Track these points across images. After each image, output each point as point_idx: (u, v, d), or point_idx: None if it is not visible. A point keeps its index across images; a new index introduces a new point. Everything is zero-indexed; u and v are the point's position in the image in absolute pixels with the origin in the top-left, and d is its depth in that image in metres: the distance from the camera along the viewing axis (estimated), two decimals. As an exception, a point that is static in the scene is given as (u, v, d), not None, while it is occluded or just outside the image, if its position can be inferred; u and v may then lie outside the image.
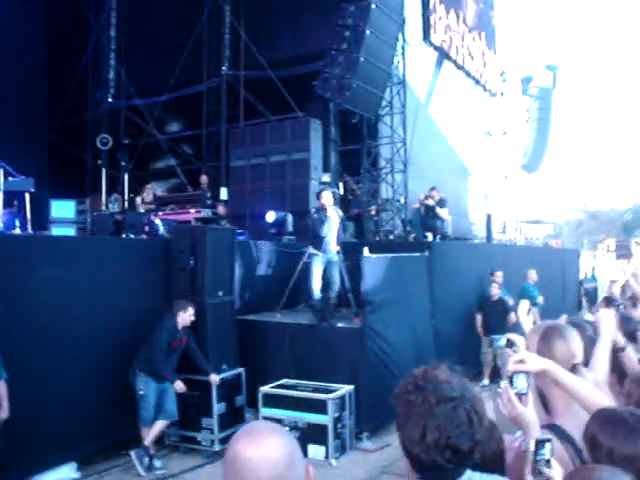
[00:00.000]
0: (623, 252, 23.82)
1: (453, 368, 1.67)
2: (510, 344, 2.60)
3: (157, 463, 6.52)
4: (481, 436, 1.58)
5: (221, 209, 11.79)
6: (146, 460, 6.42)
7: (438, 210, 10.77)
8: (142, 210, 11.46)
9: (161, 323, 6.68)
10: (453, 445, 1.53)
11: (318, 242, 8.04)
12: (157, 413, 6.58)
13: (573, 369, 2.27)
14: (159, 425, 6.61)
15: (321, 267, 8.05)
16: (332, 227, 8.10)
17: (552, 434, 2.06)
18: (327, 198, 8.13)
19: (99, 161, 14.64)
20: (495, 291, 9.83)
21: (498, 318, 9.50)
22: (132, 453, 6.42)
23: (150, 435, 6.52)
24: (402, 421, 1.61)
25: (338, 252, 8.21)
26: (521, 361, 2.07)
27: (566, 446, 2.06)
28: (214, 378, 6.89)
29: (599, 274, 18.56)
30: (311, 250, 8.13)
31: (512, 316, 9.32)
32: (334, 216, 8.13)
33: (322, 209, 8.10)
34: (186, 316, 6.76)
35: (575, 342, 2.35)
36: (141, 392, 6.46)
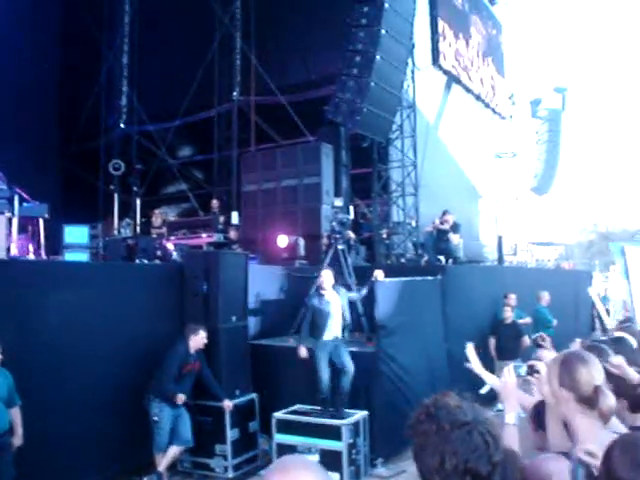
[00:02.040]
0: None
1: (462, 394, 1.67)
2: (532, 371, 2.58)
3: None
4: (499, 458, 1.58)
5: (233, 234, 11.82)
6: None
7: (451, 235, 10.75)
8: (154, 234, 11.50)
9: (173, 347, 6.65)
10: (472, 469, 1.53)
11: (319, 331, 7.11)
12: (172, 439, 6.54)
13: (595, 392, 2.26)
14: (173, 450, 6.57)
15: (327, 357, 7.06)
16: (333, 313, 7.15)
17: (568, 462, 2.05)
18: (327, 279, 7.25)
19: (111, 186, 14.73)
20: (508, 314, 9.76)
21: (511, 342, 9.43)
22: (145, 479, 6.38)
23: (164, 461, 6.48)
24: (419, 451, 1.61)
25: (344, 330, 7.27)
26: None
27: (579, 470, 2.03)
28: (227, 404, 6.85)
29: (611, 295, 18.40)
30: (314, 335, 7.16)
31: (525, 339, 9.27)
32: (334, 299, 7.19)
33: (320, 290, 7.25)
34: (198, 339, 6.71)
35: (595, 366, 2.33)
36: (155, 418, 6.42)
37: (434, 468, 1.55)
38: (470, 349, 3.03)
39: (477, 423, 1.58)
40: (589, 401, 2.26)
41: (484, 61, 18.95)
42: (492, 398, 2.94)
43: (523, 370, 2.60)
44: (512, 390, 2.46)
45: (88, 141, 16.36)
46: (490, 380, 2.83)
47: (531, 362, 2.62)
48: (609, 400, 2.24)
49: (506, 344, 9.50)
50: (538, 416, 2.65)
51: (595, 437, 2.19)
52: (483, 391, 2.81)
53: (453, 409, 1.60)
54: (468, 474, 1.53)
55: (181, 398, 6.45)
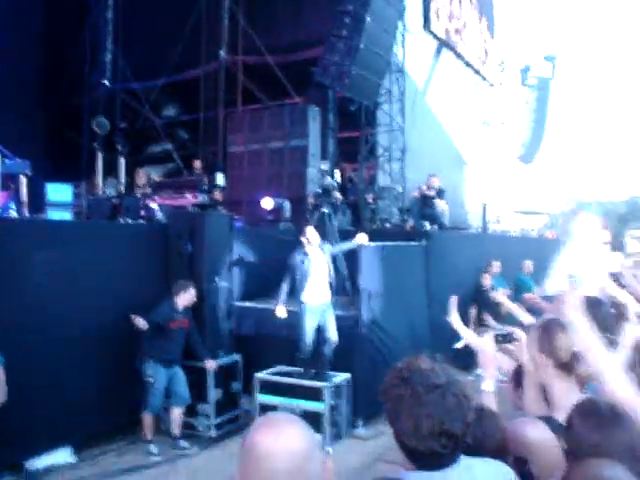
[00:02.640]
0: (617, 245, 23.88)
1: (434, 357, 1.69)
2: (511, 339, 2.60)
3: (183, 443, 6.69)
4: (471, 418, 1.61)
5: (217, 195, 11.72)
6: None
7: (437, 201, 10.75)
8: (138, 193, 11.38)
9: (158, 307, 6.63)
10: (447, 430, 1.55)
11: (306, 294, 6.93)
12: (171, 400, 6.62)
13: (573, 357, 2.30)
14: (177, 412, 6.68)
15: (314, 320, 6.93)
16: (320, 273, 6.96)
17: (548, 426, 2.09)
18: (312, 236, 7.03)
19: (95, 144, 14.54)
20: (486, 281, 9.80)
21: (492, 308, 9.50)
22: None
23: (174, 425, 6.64)
24: (393, 415, 1.62)
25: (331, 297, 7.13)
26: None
27: (560, 439, 2.07)
28: (210, 364, 6.90)
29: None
30: (302, 298, 6.96)
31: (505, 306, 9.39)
32: (320, 258, 6.99)
33: (305, 248, 7.01)
34: (187, 296, 6.70)
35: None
36: (150, 379, 6.42)
37: (410, 431, 1.57)
38: (453, 301, 3.02)
39: (450, 385, 1.60)
40: (567, 367, 2.31)
41: (476, 19, 18.75)
42: (470, 364, 2.97)
43: (503, 334, 2.63)
44: (491, 358, 2.48)
45: (72, 98, 16.05)
46: (467, 336, 2.84)
47: (510, 328, 2.65)
48: (585, 366, 2.28)
49: (486, 311, 9.58)
50: (517, 377, 2.69)
51: (572, 402, 2.23)
52: (458, 345, 2.83)
53: (426, 372, 1.61)
54: (443, 435, 1.55)
55: (139, 321, 6.38)
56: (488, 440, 2.04)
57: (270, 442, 1.31)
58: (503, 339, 2.63)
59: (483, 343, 2.53)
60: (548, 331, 2.39)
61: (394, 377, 1.65)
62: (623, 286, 4.30)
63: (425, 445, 1.56)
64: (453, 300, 3.02)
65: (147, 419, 6.55)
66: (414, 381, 1.60)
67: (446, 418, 1.55)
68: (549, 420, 2.19)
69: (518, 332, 2.56)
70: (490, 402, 2.37)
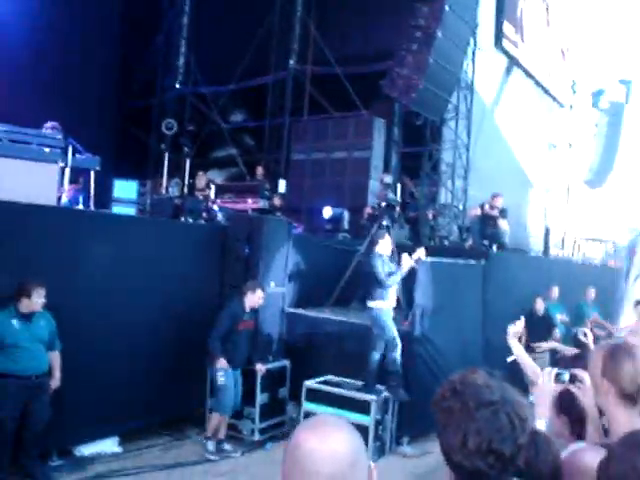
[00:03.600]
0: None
1: (492, 373, 1.61)
2: (574, 379, 2.49)
3: (227, 446, 6.71)
4: (524, 440, 1.53)
5: (277, 201, 11.81)
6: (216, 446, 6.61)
7: (499, 221, 10.54)
8: (200, 196, 11.57)
9: (227, 307, 6.70)
10: (495, 450, 1.48)
11: (385, 293, 6.91)
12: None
13: (639, 389, 2.19)
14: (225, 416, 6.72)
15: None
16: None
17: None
18: (389, 244, 7.09)
19: (162, 145, 14.88)
20: (539, 306, 9.50)
21: (542, 334, 9.23)
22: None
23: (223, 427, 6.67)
24: (442, 428, 1.56)
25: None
26: None
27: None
28: (260, 367, 6.91)
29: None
30: (378, 304, 6.88)
31: (556, 332, 9.12)
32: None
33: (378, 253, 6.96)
34: (255, 298, 6.71)
35: None
36: (222, 380, 6.47)
37: (456, 446, 1.51)
38: (518, 323, 2.96)
39: (504, 403, 1.52)
40: (631, 397, 2.19)
41: (553, 39, 18.41)
42: (525, 388, 2.88)
43: (566, 377, 2.50)
44: (548, 396, 2.38)
45: (143, 99, 16.51)
46: (527, 364, 2.74)
47: (575, 370, 2.53)
48: None
49: (536, 336, 9.31)
50: (562, 402, 2.58)
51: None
52: (509, 359, 2.74)
53: (480, 387, 1.55)
54: (491, 454, 1.48)
55: (222, 362, 6.49)
56: (542, 465, 1.97)
57: (315, 444, 1.27)
58: (566, 380, 2.50)
59: (543, 381, 2.43)
60: (614, 356, 2.26)
61: (446, 389, 1.59)
62: None
63: (470, 462, 1.49)
64: (518, 323, 2.96)
65: (216, 419, 6.59)
66: (466, 395, 1.54)
67: (496, 437, 1.48)
68: (607, 447, 2.09)
69: (582, 374, 2.43)
70: None
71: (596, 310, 10.44)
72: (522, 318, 2.97)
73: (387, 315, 6.93)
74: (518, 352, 2.81)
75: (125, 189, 9.48)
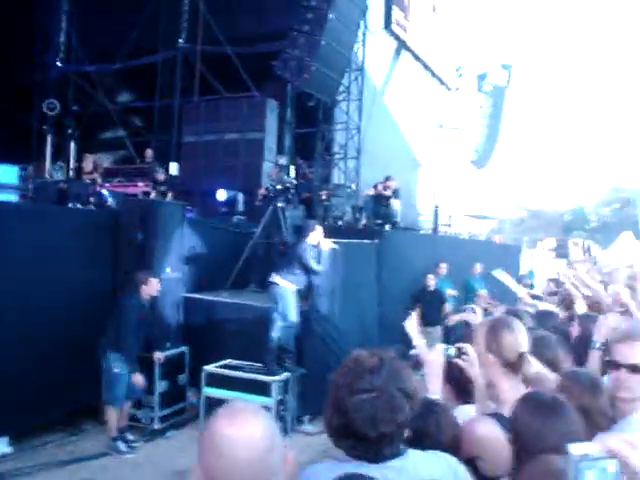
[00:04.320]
0: (561, 252, 24.52)
1: (382, 351, 1.71)
2: (460, 353, 2.60)
3: (130, 436, 6.53)
4: (390, 429, 1.61)
5: (160, 176, 11.20)
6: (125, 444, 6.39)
7: (392, 201, 10.81)
8: (87, 179, 11.09)
9: (124, 301, 6.45)
10: (357, 433, 1.59)
11: (304, 277, 7.04)
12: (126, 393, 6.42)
13: (520, 357, 2.32)
14: (127, 405, 6.52)
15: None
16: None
17: (496, 423, 2.11)
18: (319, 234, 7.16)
19: (44, 127, 14.15)
20: (431, 282, 9.88)
21: (434, 308, 9.61)
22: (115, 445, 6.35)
23: (120, 418, 6.42)
24: (326, 401, 1.67)
25: None
26: None
27: (507, 435, 2.10)
28: (158, 356, 6.77)
29: (537, 271, 19.03)
30: (286, 283, 6.94)
31: (446, 306, 9.56)
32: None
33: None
34: (149, 288, 6.51)
35: (521, 333, 2.39)
36: (117, 370, 6.23)
37: (326, 422, 1.64)
38: (414, 314, 3.11)
39: (383, 392, 1.61)
40: (513, 366, 2.33)
41: (439, 23, 18.98)
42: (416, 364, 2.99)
43: (452, 351, 2.61)
44: (438, 370, 2.48)
45: (21, 78, 15.56)
46: (418, 345, 2.85)
47: (460, 344, 2.64)
48: (532, 367, 2.31)
49: (429, 310, 9.69)
50: (448, 373, 2.70)
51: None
52: (413, 352, 2.83)
53: (365, 373, 1.64)
54: (352, 437, 1.60)
55: (139, 382, 6.33)
56: (442, 434, 2.06)
57: (232, 431, 1.30)
58: (453, 353, 2.61)
59: (432, 357, 2.53)
60: (495, 330, 2.40)
61: (343, 366, 1.69)
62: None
63: (334, 439, 1.63)
64: (414, 314, 3.11)
65: (109, 411, 6.36)
66: (350, 376, 1.64)
67: (359, 422, 1.58)
68: (497, 416, 2.21)
69: (468, 348, 2.55)
70: None
71: (482, 284, 10.96)
72: (413, 314, 3.13)
73: (292, 295, 6.98)
74: (417, 342, 2.94)
75: (4, 174, 8.90)
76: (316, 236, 7.09)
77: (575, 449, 1.20)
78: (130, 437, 6.50)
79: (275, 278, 6.98)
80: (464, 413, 2.47)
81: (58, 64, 15.39)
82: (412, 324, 3.09)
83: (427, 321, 9.61)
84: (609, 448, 1.22)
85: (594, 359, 3.08)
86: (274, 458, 1.33)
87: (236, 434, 1.29)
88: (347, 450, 1.65)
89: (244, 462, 1.28)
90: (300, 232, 7.40)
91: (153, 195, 10.67)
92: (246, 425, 1.31)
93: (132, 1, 14.28)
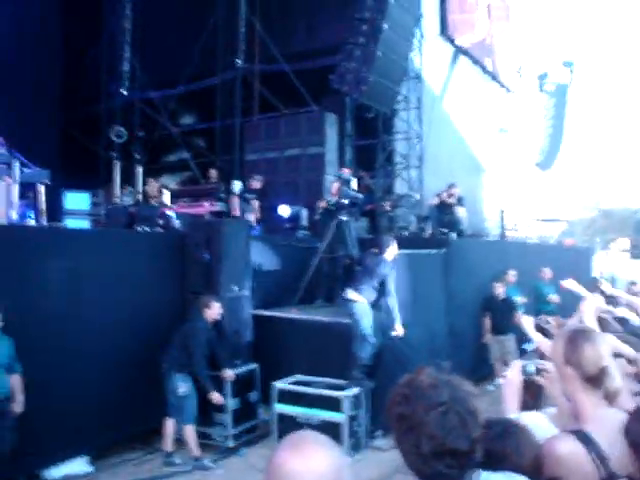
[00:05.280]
0: (636, 252, 23.60)
1: (440, 369, 1.64)
2: (539, 370, 2.50)
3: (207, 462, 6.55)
4: (478, 433, 1.56)
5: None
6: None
7: (457, 208, 10.65)
8: (154, 203, 11.35)
9: (192, 324, 6.59)
10: (451, 450, 1.51)
11: (376, 293, 7.11)
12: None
13: (602, 372, 2.20)
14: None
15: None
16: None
17: (578, 440, 2.01)
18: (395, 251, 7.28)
19: (112, 153, 14.59)
20: (499, 290, 9.65)
21: (504, 317, 9.37)
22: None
23: (170, 438, 6.52)
24: (397, 435, 1.59)
25: None
26: None
27: (590, 453, 2.00)
28: (228, 374, 6.84)
29: (618, 274, 18.33)
30: (362, 299, 7.06)
31: (517, 315, 9.27)
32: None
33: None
34: (212, 312, 6.66)
35: (602, 344, 2.27)
36: (183, 390, 6.38)
37: (413, 452, 1.53)
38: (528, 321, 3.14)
39: (453, 402, 1.55)
40: (594, 381, 2.20)
41: (498, 26, 18.67)
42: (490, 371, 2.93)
43: (532, 368, 2.51)
44: (515, 389, 2.39)
45: (90, 107, 16.15)
46: (537, 339, 2.79)
47: (539, 362, 2.53)
48: (614, 381, 2.18)
49: (500, 319, 9.46)
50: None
51: (600, 416, 2.15)
52: (529, 348, 2.80)
53: (427, 390, 1.57)
54: (447, 455, 1.51)
55: (218, 399, 6.49)
56: (522, 456, 1.97)
57: (297, 465, 1.26)
58: (532, 372, 2.51)
59: (509, 374, 2.43)
60: (574, 342, 2.27)
61: (396, 395, 1.61)
62: None
63: (429, 466, 1.52)
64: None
65: (187, 431, 6.47)
66: (415, 399, 1.56)
67: (448, 437, 1.51)
68: (578, 433, 2.11)
69: (549, 365, 2.44)
70: None
71: (552, 289, 10.64)
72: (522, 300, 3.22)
73: (369, 310, 7.07)
74: (536, 338, 2.91)
75: (77, 201, 9.23)
76: (393, 251, 7.09)
77: None
78: (178, 460, 6.52)
79: (350, 294, 7.00)
80: (529, 420, 2.37)
81: (123, 92, 15.88)
82: (528, 320, 3.04)
83: (499, 330, 9.41)
84: None
85: None
86: None
87: (301, 468, 1.25)
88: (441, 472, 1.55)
89: None
90: (378, 247, 7.41)
91: (236, 203, 10.87)
92: (311, 458, 1.27)
93: (190, 27, 14.66)
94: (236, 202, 11.05)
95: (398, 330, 7.07)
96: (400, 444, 1.58)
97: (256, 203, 10.75)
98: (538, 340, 2.83)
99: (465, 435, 1.52)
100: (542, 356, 2.51)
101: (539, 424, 2.32)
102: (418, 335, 7.85)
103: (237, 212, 10.58)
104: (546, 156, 21.35)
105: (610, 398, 2.22)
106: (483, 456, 1.61)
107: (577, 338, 2.28)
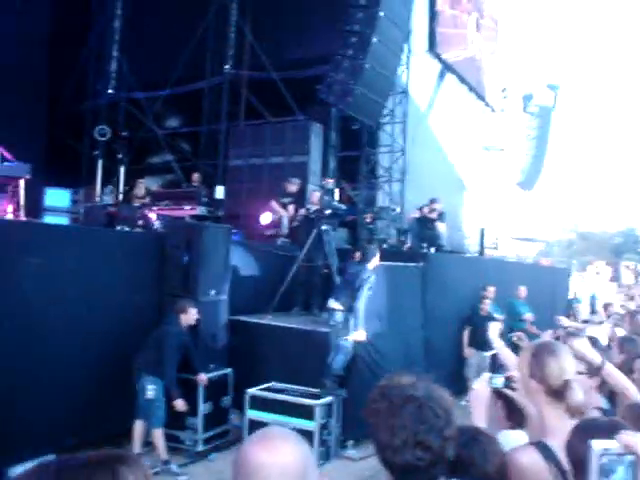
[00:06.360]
0: (613, 275, 23.97)
1: (419, 374, 1.69)
2: (508, 382, 2.54)
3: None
4: (451, 433, 1.59)
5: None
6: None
7: (438, 224, 10.73)
8: (137, 204, 11.32)
9: (167, 328, 6.54)
10: (422, 442, 1.54)
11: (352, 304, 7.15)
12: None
13: (565, 385, 2.24)
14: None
15: None
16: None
17: (538, 452, 2.04)
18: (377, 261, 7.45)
19: (95, 152, 14.52)
20: (485, 306, 9.78)
21: (485, 333, 9.43)
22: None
23: (139, 440, 6.44)
24: (373, 429, 1.62)
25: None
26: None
27: (550, 466, 2.04)
28: (202, 377, 6.80)
29: (587, 295, 18.57)
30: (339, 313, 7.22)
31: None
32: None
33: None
34: (189, 317, 6.64)
35: (566, 358, 2.31)
36: (152, 393, 6.31)
37: (385, 443, 1.57)
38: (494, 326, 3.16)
39: (429, 399, 1.59)
40: (557, 394, 2.25)
41: (485, 46, 18.89)
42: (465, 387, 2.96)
43: (499, 381, 2.54)
44: (482, 401, 2.42)
45: (75, 105, 16.04)
46: (499, 347, 2.81)
47: (509, 374, 2.57)
48: (577, 395, 2.22)
49: (482, 335, 9.52)
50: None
51: (561, 429, 2.18)
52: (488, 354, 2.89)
53: (404, 386, 1.62)
54: (418, 447, 1.54)
55: (182, 406, 6.41)
56: (487, 464, 2.00)
57: (264, 457, 1.27)
58: (499, 384, 2.54)
59: (476, 386, 2.47)
60: (539, 356, 2.32)
61: (375, 393, 1.66)
62: None
63: (400, 457, 1.54)
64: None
65: (156, 434, 6.39)
66: (391, 394, 1.61)
67: (421, 429, 1.54)
68: (540, 446, 2.15)
69: (516, 376, 2.48)
70: None
71: (526, 307, 10.77)
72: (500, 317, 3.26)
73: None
74: (499, 346, 2.94)
75: (57, 197, 9.19)
76: (375, 261, 7.20)
77: (596, 445, 1.39)
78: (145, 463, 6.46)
79: (332, 304, 7.05)
80: (508, 439, 2.40)
81: (109, 91, 15.82)
82: (494, 329, 3.09)
83: (477, 345, 9.47)
84: (627, 444, 1.36)
85: None
86: None
87: (268, 460, 1.26)
88: (393, 470, 1.58)
89: None
90: (361, 256, 7.62)
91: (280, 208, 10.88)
92: (279, 451, 1.28)
93: (180, 30, 14.65)
94: (275, 206, 10.85)
95: (359, 334, 7.06)
96: (374, 438, 1.61)
97: (292, 207, 10.70)
98: (498, 346, 2.88)
99: (437, 430, 1.55)
100: (502, 365, 2.56)
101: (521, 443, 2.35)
102: (393, 346, 7.89)
103: (281, 212, 10.57)
104: (527, 176, 21.62)
105: (572, 411, 2.25)
106: (450, 463, 1.63)
107: (541, 352, 2.33)
